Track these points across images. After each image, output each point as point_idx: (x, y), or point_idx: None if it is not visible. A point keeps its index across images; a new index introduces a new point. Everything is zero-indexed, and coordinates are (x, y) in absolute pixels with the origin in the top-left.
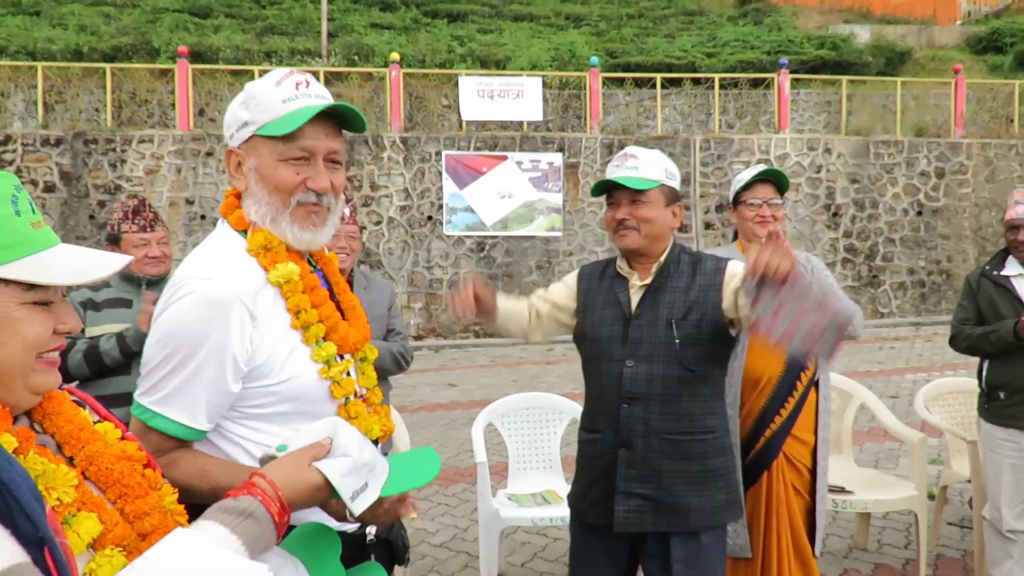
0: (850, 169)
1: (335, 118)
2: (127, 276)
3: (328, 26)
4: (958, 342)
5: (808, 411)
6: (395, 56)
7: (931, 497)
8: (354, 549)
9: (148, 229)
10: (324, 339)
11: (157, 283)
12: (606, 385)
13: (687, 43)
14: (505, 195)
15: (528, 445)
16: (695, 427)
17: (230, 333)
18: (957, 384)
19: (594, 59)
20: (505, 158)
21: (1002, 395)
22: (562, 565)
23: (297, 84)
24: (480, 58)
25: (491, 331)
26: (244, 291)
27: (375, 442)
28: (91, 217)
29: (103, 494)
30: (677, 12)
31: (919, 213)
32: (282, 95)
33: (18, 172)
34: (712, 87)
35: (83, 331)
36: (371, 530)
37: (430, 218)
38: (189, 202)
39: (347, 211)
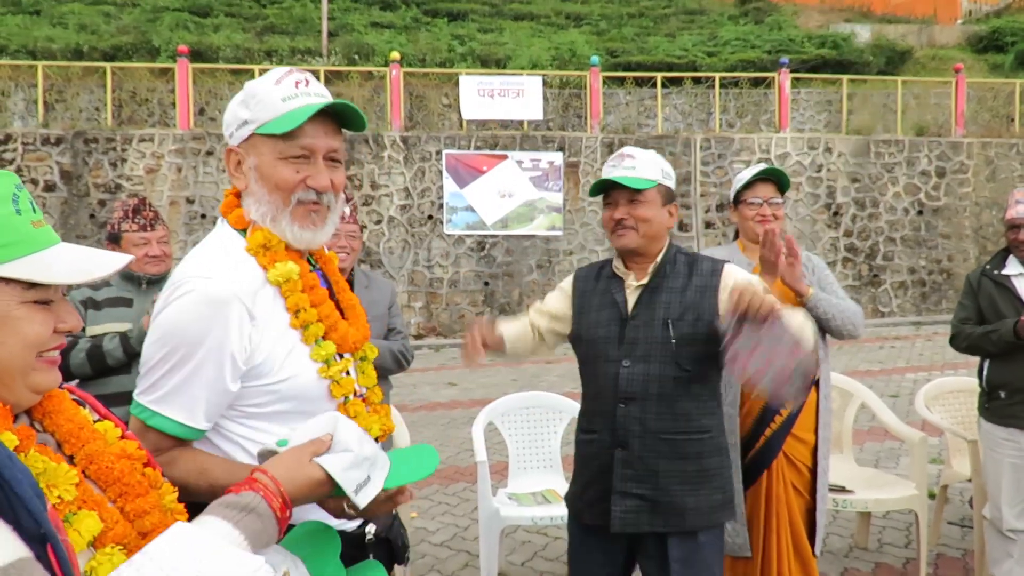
0: (851, 168)
1: (335, 116)
2: (127, 275)
3: (328, 25)
4: (958, 341)
5: (808, 410)
6: (395, 55)
7: (931, 496)
8: (353, 548)
9: (148, 228)
10: (323, 338)
11: (157, 282)
12: (602, 385)
13: (688, 42)
14: (505, 194)
15: (528, 444)
16: (691, 427)
17: (229, 332)
18: (958, 383)
19: (594, 58)
20: (505, 157)
21: (1002, 394)
22: (562, 564)
23: (297, 83)
24: (480, 57)
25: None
26: (243, 290)
27: (375, 441)
28: (91, 216)
29: (103, 493)
30: (678, 11)
31: (920, 212)
32: (282, 93)
33: (18, 171)
34: (713, 86)
35: (84, 330)
36: (370, 529)
37: (430, 217)
38: (189, 201)
39: (347, 210)
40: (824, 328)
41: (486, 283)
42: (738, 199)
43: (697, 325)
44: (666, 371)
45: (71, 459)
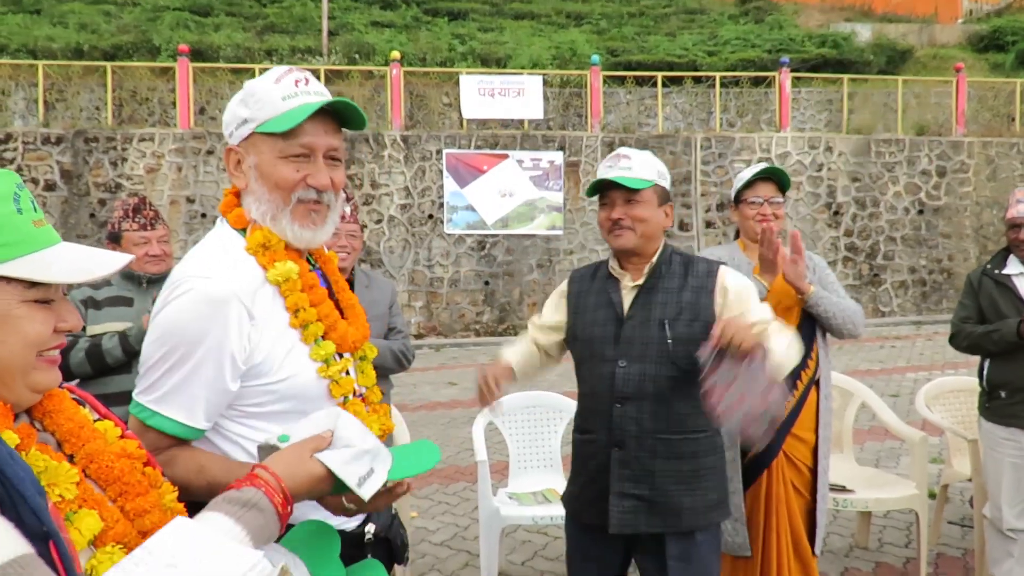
0: (851, 168)
1: (334, 115)
2: (128, 274)
3: (329, 24)
4: (958, 340)
5: (809, 410)
6: (396, 54)
7: (932, 496)
8: (353, 548)
9: (149, 227)
10: (323, 338)
11: (158, 281)
12: (598, 385)
13: (688, 41)
14: (506, 194)
15: (529, 444)
16: (687, 427)
17: (228, 331)
18: (958, 383)
19: (595, 57)
20: (506, 156)
21: (1003, 394)
22: (562, 564)
23: (296, 81)
24: (481, 56)
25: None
26: (242, 289)
27: None
28: (92, 215)
29: (103, 492)
30: (678, 10)
31: (920, 212)
32: (282, 92)
33: (19, 170)
34: (713, 85)
35: (84, 329)
36: (370, 528)
37: (431, 216)
38: (190, 200)
39: (348, 210)
40: (824, 327)
41: (486, 282)
42: (739, 198)
43: (693, 325)
44: (662, 371)
45: (71, 458)
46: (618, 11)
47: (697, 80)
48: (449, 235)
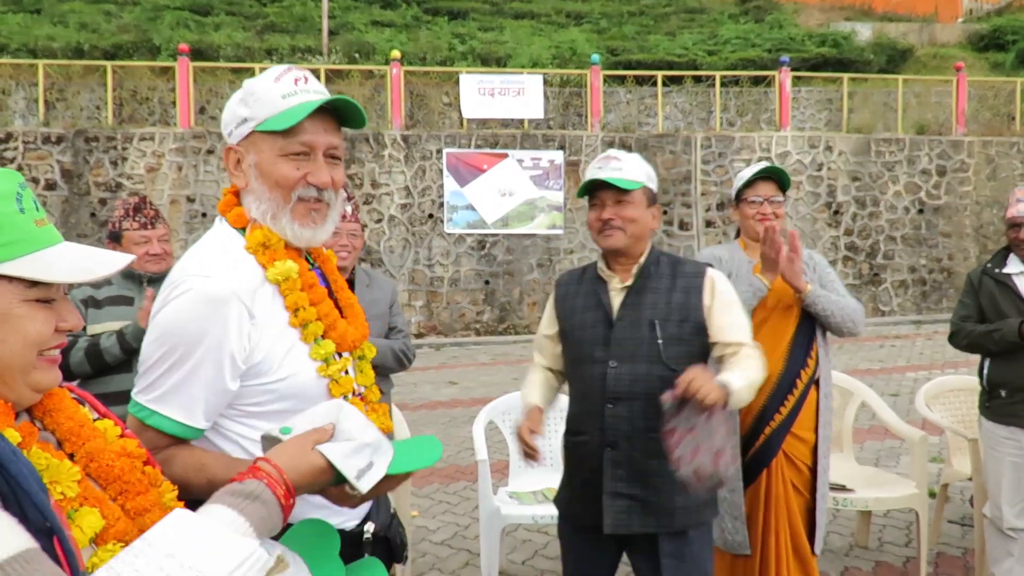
0: (851, 167)
1: (334, 114)
2: (128, 274)
3: (329, 24)
4: (958, 339)
5: (808, 409)
6: (396, 54)
7: (932, 495)
8: (352, 547)
9: (149, 226)
10: (322, 337)
11: (158, 280)
12: (590, 386)
13: (688, 41)
14: (506, 193)
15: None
16: None
17: (228, 331)
18: (958, 382)
19: (595, 57)
20: (506, 156)
21: (1003, 393)
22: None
23: (296, 80)
24: (481, 56)
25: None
26: (242, 288)
27: None
28: (92, 215)
29: (103, 490)
30: (678, 10)
31: (920, 211)
32: (281, 91)
33: (19, 169)
34: (713, 85)
35: (84, 329)
36: (369, 528)
37: (431, 216)
38: (190, 200)
39: (349, 209)
40: (824, 325)
41: (487, 282)
42: (739, 197)
43: (683, 326)
44: (653, 371)
45: (71, 457)
46: (618, 10)
47: (697, 79)
48: (449, 234)
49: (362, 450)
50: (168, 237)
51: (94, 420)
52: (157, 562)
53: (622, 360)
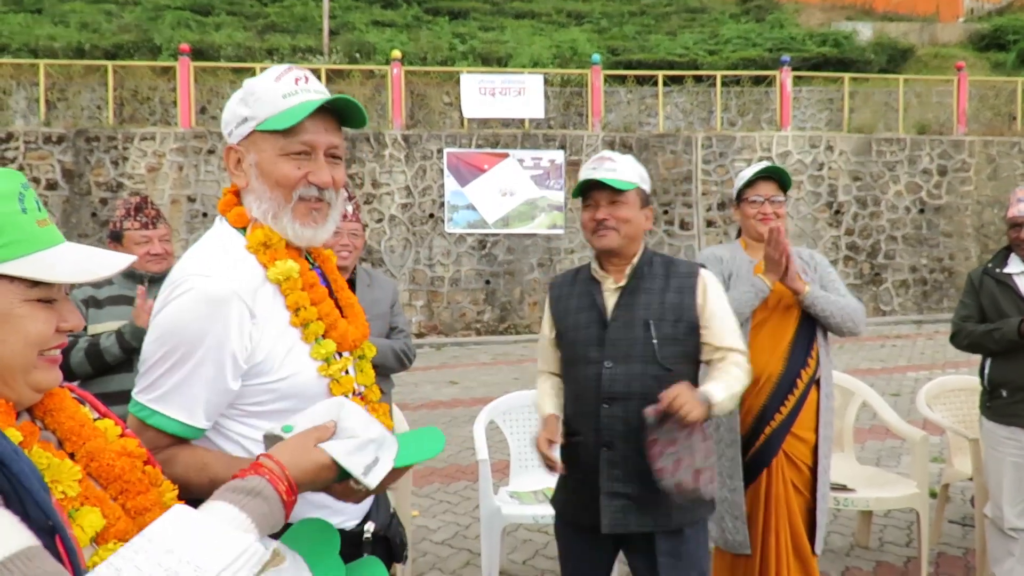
0: (852, 167)
1: (335, 113)
2: (129, 273)
3: (329, 23)
4: (959, 339)
5: (809, 409)
6: (396, 54)
7: (933, 495)
8: (352, 546)
9: (150, 226)
10: (323, 336)
11: (159, 280)
12: (585, 387)
13: (689, 40)
14: (507, 193)
15: (530, 442)
16: None
17: (229, 330)
18: (959, 382)
19: (596, 56)
20: (507, 156)
21: (1004, 393)
22: None
23: (296, 79)
24: (482, 55)
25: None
26: (243, 288)
27: None
28: (93, 215)
29: (104, 490)
30: (679, 9)
31: (921, 211)
32: (282, 90)
33: (20, 169)
34: (714, 84)
35: (85, 329)
36: (369, 527)
37: (432, 216)
38: (191, 199)
39: (350, 208)
40: (824, 325)
41: (487, 281)
42: (740, 197)
43: (677, 326)
44: (648, 370)
45: (72, 456)
46: (619, 10)
47: (698, 79)
48: (450, 234)
49: (367, 446)
50: (169, 237)
51: (94, 420)
52: (156, 558)
53: (617, 360)
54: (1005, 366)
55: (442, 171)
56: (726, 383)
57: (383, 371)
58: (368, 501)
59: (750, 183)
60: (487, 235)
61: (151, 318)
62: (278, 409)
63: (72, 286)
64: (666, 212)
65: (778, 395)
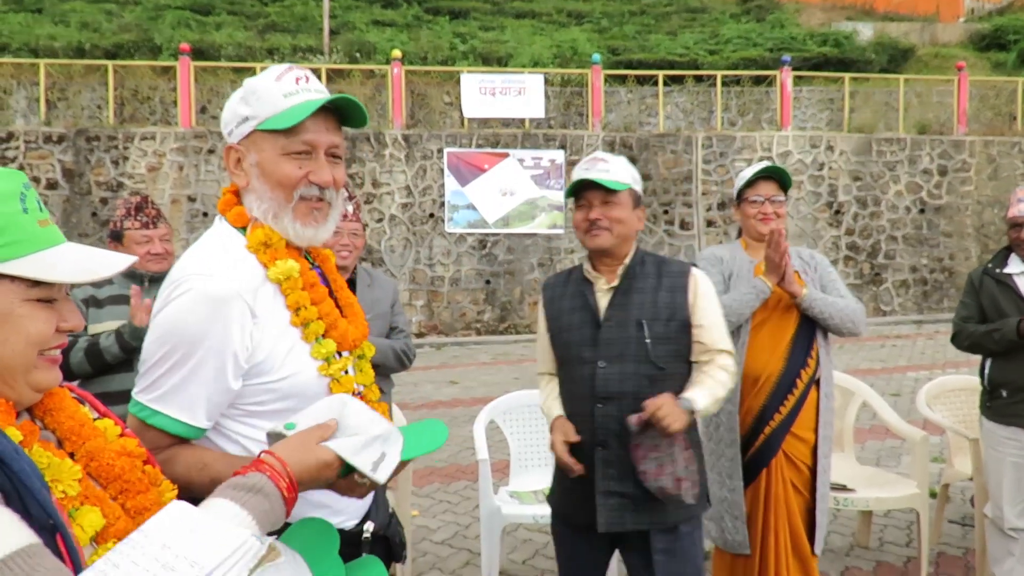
0: (852, 166)
1: (335, 113)
2: (130, 273)
3: (330, 23)
4: (960, 340)
5: (809, 409)
6: (397, 53)
7: (933, 495)
8: (351, 546)
9: (151, 226)
10: (323, 336)
11: (159, 280)
12: (579, 386)
13: (689, 40)
14: (507, 192)
15: (530, 442)
16: None
17: (230, 330)
18: (959, 382)
19: (596, 56)
20: (507, 155)
21: (1004, 393)
22: None
23: (297, 79)
24: (482, 55)
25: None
26: (245, 288)
27: None
28: (93, 214)
29: (104, 489)
30: (679, 9)
31: (921, 211)
32: (283, 90)
33: (21, 169)
34: (714, 84)
35: (86, 328)
36: (368, 527)
37: (432, 215)
38: (191, 199)
39: (350, 208)
40: (823, 327)
41: (487, 281)
42: (740, 197)
43: (670, 325)
44: (641, 370)
45: (72, 456)
46: (619, 10)
47: (698, 79)
48: (450, 234)
49: (373, 443)
50: (170, 237)
51: (94, 419)
52: (153, 552)
53: (610, 360)
54: (1005, 366)
55: (442, 171)
56: (710, 389)
57: (383, 371)
58: (367, 501)
59: (750, 183)
60: (487, 235)
61: (152, 318)
62: (278, 409)
63: (72, 286)
64: (666, 212)
65: (778, 395)
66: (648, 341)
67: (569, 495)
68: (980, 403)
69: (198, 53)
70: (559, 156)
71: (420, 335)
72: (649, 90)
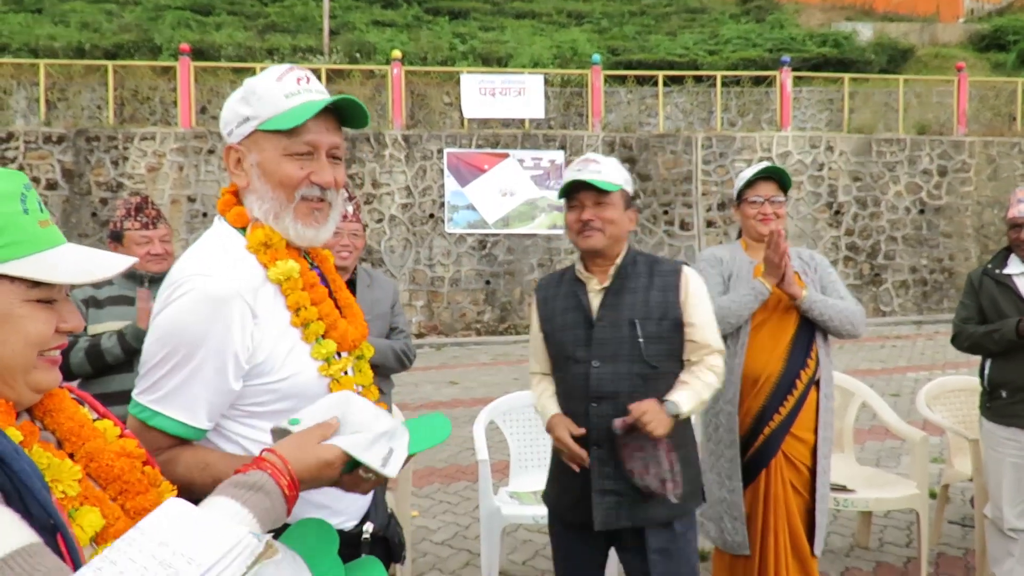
0: (852, 167)
1: (336, 113)
2: (130, 274)
3: (330, 23)
4: (960, 341)
5: (808, 410)
6: (397, 53)
7: (933, 496)
8: (351, 547)
9: (150, 226)
10: (323, 336)
11: (159, 280)
12: (573, 386)
13: (689, 41)
14: (507, 193)
15: (530, 443)
16: None
17: (231, 331)
18: (959, 382)
19: (596, 56)
20: (507, 156)
21: (1004, 393)
22: None
23: (298, 79)
24: (482, 55)
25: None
26: (245, 288)
27: None
28: (93, 215)
29: (103, 490)
30: (679, 9)
31: (921, 211)
32: (284, 90)
33: (20, 169)
34: (714, 85)
35: (85, 329)
36: (367, 528)
37: (432, 216)
38: (191, 200)
39: (350, 209)
40: (823, 329)
41: (487, 282)
42: (740, 197)
43: (662, 324)
44: (635, 369)
45: (71, 457)
46: (619, 10)
47: (698, 79)
48: (450, 234)
49: (379, 439)
50: (170, 237)
51: (94, 420)
52: (150, 550)
53: (604, 360)
54: (1005, 367)
55: (442, 171)
56: (696, 391)
57: (383, 371)
58: (367, 502)
59: (750, 183)
60: (487, 235)
61: (151, 319)
62: (278, 409)
63: (72, 287)
64: (666, 212)
65: (777, 395)
66: (641, 340)
67: (565, 494)
68: (980, 404)
69: (198, 53)
70: (559, 156)
71: (420, 335)
72: (649, 90)
